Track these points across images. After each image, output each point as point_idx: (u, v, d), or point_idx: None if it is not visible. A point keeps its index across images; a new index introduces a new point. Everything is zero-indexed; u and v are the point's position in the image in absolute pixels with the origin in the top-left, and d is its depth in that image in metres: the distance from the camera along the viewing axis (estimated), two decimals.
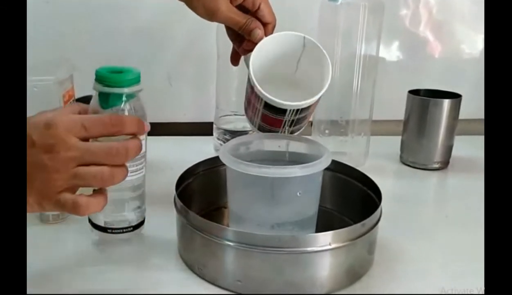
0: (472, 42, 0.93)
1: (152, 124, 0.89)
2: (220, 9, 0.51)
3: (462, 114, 0.75)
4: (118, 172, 0.40)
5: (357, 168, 0.58)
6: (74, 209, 0.39)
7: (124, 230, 0.50)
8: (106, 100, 0.44)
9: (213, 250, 0.45)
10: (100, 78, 0.44)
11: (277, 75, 0.52)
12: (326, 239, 0.43)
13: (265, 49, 0.50)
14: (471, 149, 0.83)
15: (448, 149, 0.75)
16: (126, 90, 0.45)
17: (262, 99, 0.49)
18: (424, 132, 0.73)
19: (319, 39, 0.71)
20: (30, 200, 0.39)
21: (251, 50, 0.51)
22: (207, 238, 0.45)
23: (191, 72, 0.89)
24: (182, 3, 0.54)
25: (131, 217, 0.50)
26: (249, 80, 0.50)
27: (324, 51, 0.50)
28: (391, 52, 0.92)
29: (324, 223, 0.53)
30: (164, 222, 0.52)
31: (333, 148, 0.75)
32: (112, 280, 0.46)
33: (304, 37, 0.50)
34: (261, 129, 0.54)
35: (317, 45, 0.51)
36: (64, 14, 0.83)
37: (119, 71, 0.45)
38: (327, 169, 0.48)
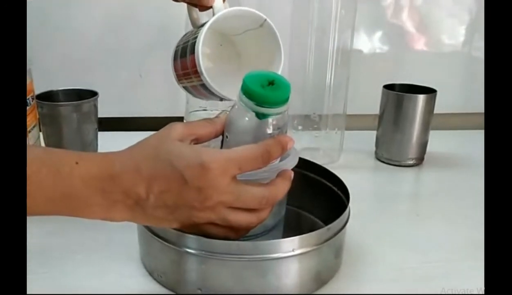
0: (453, 35, 0.92)
1: (121, 119, 0.88)
2: None
3: (441, 108, 0.74)
4: (262, 218, 0.40)
5: (331, 164, 0.56)
6: (225, 238, 0.41)
7: None
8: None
9: (172, 257, 0.43)
10: (255, 96, 0.38)
11: (223, 53, 0.49)
12: (288, 245, 0.41)
13: (222, 21, 0.45)
14: (447, 144, 0.83)
15: (423, 145, 0.73)
16: (282, 109, 0.40)
17: (201, 79, 0.45)
18: (399, 128, 0.72)
19: (292, 30, 0.69)
20: (174, 225, 0.39)
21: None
22: (166, 245, 0.42)
23: (162, 64, 0.86)
24: None
25: None
26: (191, 46, 0.45)
27: (281, 44, 0.46)
28: (368, 44, 0.90)
29: (293, 224, 0.51)
30: (129, 225, 0.50)
31: (307, 143, 0.74)
32: (70, 282, 0.45)
33: (265, 20, 0.45)
34: (186, 89, 0.50)
35: (275, 33, 0.46)
36: None
37: (269, 82, 0.39)
38: (295, 167, 0.46)
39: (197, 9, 0.49)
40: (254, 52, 0.48)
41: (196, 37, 0.45)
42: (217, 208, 0.38)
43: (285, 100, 0.39)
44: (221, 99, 0.46)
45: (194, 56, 0.44)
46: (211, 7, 0.46)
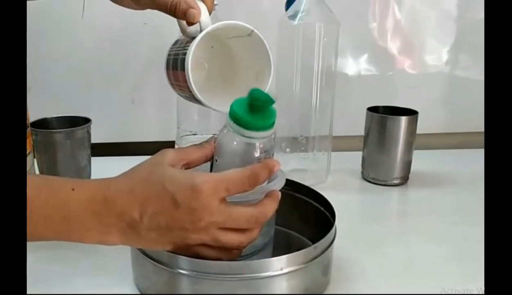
0: (436, 57, 0.95)
1: (114, 144, 0.90)
2: None
3: (424, 129, 0.77)
4: (252, 238, 0.42)
5: (319, 185, 0.58)
6: (218, 259, 0.42)
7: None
8: None
9: (165, 278, 0.44)
10: (242, 121, 0.40)
11: (216, 53, 0.51)
12: (278, 264, 0.43)
13: (210, 37, 0.47)
14: (430, 163, 0.85)
15: (407, 165, 0.76)
16: (268, 134, 0.41)
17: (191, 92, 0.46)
18: (384, 149, 0.74)
19: (278, 55, 0.72)
20: (167, 247, 0.41)
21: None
22: (158, 266, 0.44)
23: (154, 90, 0.88)
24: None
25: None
26: (181, 62, 0.46)
27: (270, 53, 0.47)
28: (353, 67, 0.93)
29: (282, 244, 0.53)
30: (123, 249, 0.50)
31: (295, 165, 0.76)
32: None
33: (253, 30, 0.47)
34: (179, 94, 0.52)
35: (263, 42, 0.47)
36: None
37: (256, 106, 0.40)
38: (283, 188, 0.48)
39: None
40: (246, 53, 0.50)
41: (185, 53, 0.46)
42: (209, 229, 0.39)
43: (271, 125, 0.42)
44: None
45: (184, 73, 0.46)
46: (198, 22, 0.47)
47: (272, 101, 0.40)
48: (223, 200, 0.39)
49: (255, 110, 0.41)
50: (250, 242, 0.42)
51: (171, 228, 0.39)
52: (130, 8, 0.50)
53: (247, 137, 0.41)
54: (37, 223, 0.37)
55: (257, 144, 0.42)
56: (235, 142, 0.42)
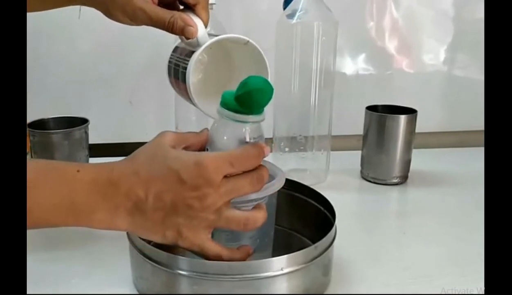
0: (433, 56, 0.95)
1: (112, 145, 0.89)
2: (140, 8, 0.47)
3: (422, 128, 0.76)
4: (260, 217, 0.42)
5: (318, 185, 0.58)
6: (214, 259, 0.42)
7: None
8: None
9: (164, 279, 0.44)
10: (232, 105, 0.41)
11: (214, 55, 0.52)
12: (278, 264, 0.42)
13: (208, 51, 0.48)
14: (429, 162, 0.85)
15: (407, 163, 0.76)
16: (258, 118, 0.42)
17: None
18: (383, 148, 0.74)
19: (277, 55, 0.72)
20: (172, 233, 0.40)
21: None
22: (157, 267, 0.43)
23: (152, 91, 0.88)
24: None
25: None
26: (182, 74, 0.48)
27: (266, 60, 0.48)
28: (351, 66, 0.93)
29: (282, 244, 0.53)
30: (123, 249, 0.50)
31: (294, 164, 0.75)
32: None
33: (248, 41, 0.48)
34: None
35: (259, 51, 0.48)
36: None
37: (245, 92, 0.41)
38: (282, 188, 0.48)
39: None
40: (243, 58, 0.50)
41: (185, 67, 0.47)
42: (215, 205, 0.39)
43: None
44: None
45: (185, 85, 0.47)
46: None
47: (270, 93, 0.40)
48: (226, 177, 0.39)
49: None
50: (255, 223, 0.42)
51: (177, 206, 0.39)
52: (127, 24, 0.50)
53: (238, 121, 0.41)
54: (45, 208, 0.37)
55: (248, 134, 0.42)
56: (227, 132, 0.42)
